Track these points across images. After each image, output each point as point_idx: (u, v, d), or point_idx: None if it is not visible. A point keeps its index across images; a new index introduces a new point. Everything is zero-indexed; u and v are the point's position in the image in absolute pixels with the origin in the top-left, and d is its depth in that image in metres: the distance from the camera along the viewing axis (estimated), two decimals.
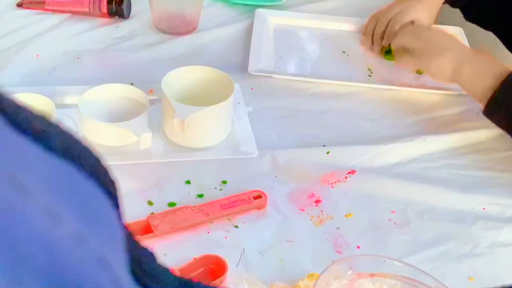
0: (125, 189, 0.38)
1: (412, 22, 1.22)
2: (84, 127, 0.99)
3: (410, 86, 1.19)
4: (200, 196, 0.93)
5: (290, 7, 1.38)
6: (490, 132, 1.09)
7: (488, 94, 1.00)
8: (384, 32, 1.24)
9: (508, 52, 1.32)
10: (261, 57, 1.22)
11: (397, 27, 1.22)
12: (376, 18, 1.27)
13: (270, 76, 1.18)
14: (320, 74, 1.21)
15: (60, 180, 0.30)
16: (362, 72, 1.23)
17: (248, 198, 0.91)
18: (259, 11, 1.34)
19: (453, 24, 1.35)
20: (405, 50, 1.13)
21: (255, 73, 1.17)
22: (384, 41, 1.24)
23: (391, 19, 1.23)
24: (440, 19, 1.31)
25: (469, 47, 1.12)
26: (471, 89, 1.05)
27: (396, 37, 1.16)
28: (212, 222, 0.89)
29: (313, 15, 1.36)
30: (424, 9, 1.24)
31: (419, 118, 1.13)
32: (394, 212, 0.94)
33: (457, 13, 1.35)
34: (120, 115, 1.01)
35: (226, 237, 0.88)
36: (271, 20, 1.33)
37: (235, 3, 1.38)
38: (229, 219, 0.90)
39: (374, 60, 1.26)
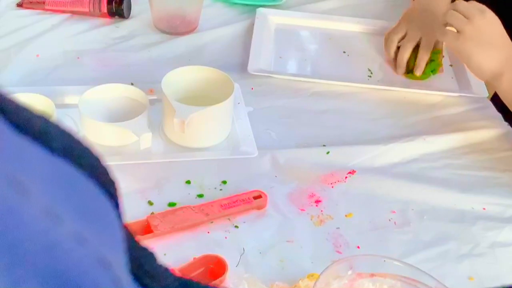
0: (125, 189, 0.38)
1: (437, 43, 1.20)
2: (84, 127, 0.99)
3: (410, 86, 1.19)
4: (200, 196, 0.93)
5: (290, 7, 1.38)
6: (490, 132, 1.09)
7: None
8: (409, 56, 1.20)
9: None
10: (261, 57, 1.22)
11: (426, 55, 1.19)
12: (393, 41, 1.22)
13: (270, 76, 1.18)
14: (320, 74, 1.21)
15: (60, 180, 0.30)
16: (362, 73, 1.23)
17: (248, 198, 0.91)
18: (260, 10, 1.34)
19: None
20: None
21: (255, 73, 1.16)
22: (417, 69, 1.20)
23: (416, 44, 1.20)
24: None
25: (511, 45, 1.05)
26: (509, 97, 1.02)
27: (446, 13, 1.05)
28: (212, 222, 0.89)
29: (314, 15, 1.36)
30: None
31: (419, 118, 1.13)
32: (394, 212, 0.94)
33: None
34: (120, 115, 1.01)
35: (226, 237, 0.88)
36: (272, 19, 1.33)
37: (235, 3, 1.38)
38: (229, 219, 0.90)
39: (374, 61, 1.26)
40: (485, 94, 1.17)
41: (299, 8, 1.39)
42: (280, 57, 1.26)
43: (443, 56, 1.23)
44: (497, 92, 1.05)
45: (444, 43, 1.20)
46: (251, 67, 1.17)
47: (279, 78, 1.18)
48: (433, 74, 1.21)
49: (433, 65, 1.20)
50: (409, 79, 1.21)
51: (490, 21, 1.03)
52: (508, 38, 1.04)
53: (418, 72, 1.19)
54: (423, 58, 1.19)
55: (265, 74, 1.17)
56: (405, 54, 1.20)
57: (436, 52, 1.21)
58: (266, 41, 1.27)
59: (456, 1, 1.07)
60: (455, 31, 1.04)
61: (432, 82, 1.21)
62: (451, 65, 1.26)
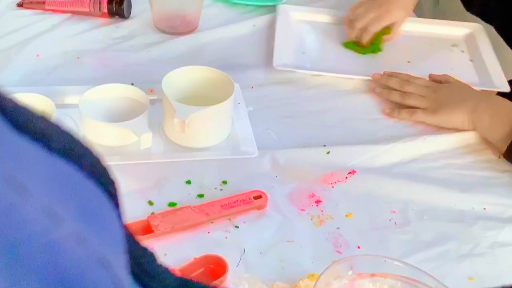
0: (125, 189, 0.38)
1: (390, 26, 1.26)
2: (84, 127, 0.99)
3: None
4: (201, 196, 0.93)
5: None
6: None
7: (507, 140, 1.01)
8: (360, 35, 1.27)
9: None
10: (285, 52, 1.23)
11: (370, 34, 1.25)
12: (350, 23, 1.28)
13: (271, 76, 1.18)
14: (339, 70, 1.22)
15: (60, 180, 0.30)
16: (375, 69, 1.23)
17: (248, 198, 0.91)
18: (282, 7, 1.35)
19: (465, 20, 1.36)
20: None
21: (280, 68, 1.18)
22: (364, 42, 1.27)
23: (367, 24, 1.25)
24: (450, 16, 1.32)
25: (481, 92, 1.11)
26: (490, 135, 1.05)
27: (408, 98, 1.12)
28: (212, 222, 0.89)
29: (335, 11, 1.37)
30: (401, 9, 1.26)
31: None
32: (394, 212, 0.94)
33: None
34: (120, 115, 1.01)
35: (226, 237, 0.88)
36: (293, 15, 1.35)
37: (235, 3, 1.39)
38: (229, 219, 0.90)
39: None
40: (507, 88, 1.17)
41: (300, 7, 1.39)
42: (303, 53, 1.27)
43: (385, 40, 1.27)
44: (480, 134, 1.07)
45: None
46: (276, 62, 1.19)
47: (282, 77, 1.18)
48: (373, 52, 1.27)
49: (374, 47, 1.26)
50: (348, 49, 1.27)
51: (446, 86, 1.12)
52: (469, 87, 1.12)
53: (363, 40, 1.26)
54: (371, 30, 1.25)
55: (288, 69, 1.19)
56: (354, 31, 1.26)
57: (385, 32, 1.26)
58: (288, 37, 1.28)
59: (400, 81, 1.15)
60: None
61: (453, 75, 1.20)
62: (471, 60, 1.27)
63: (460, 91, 1.11)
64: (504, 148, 1.02)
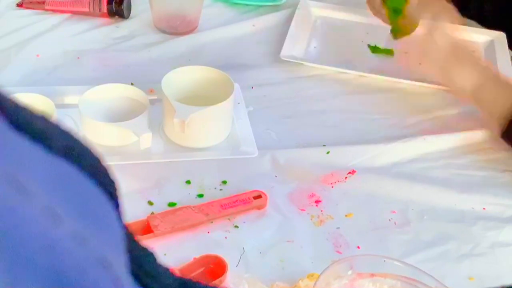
0: (125, 189, 0.38)
1: None
2: (84, 127, 0.99)
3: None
4: (200, 196, 0.93)
5: (289, 7, 1.38)
6: (490, 132, 1.09)
7: (508, 118, 1.00)
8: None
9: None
10: (295, 45, 1.24)
11: None
12: (372, 8, 1.26)
13: (270, 76, 1.18)
14: (345, 67, 1.22)
15: (60, 180, 0.30)
16: (391, 68, 1.22)
17: (248, 198, 0.91)
18: (304, 1, 1.36)
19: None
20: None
21: (286, 59, 1.18)
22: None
23: None
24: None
25: (491, 66, 1.10)
26: (490, 110, 1.04)
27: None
28: (212, 222, 0.89)
29: (357, 10, 1.37)
30: None
31: (419, 118, 1.13)
32: (394, 212, 0.94)
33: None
34: (120, 115, 1.01)
35: (226, 237, 0.88)
36: (314, 11, 1.36)
37: (235, 3, 1.38)
38: (229, 219, 0.90)
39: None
40: None
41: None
42: (315, 47, 1.28)
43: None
44: (477, 106, 1.07)
45: None
46: (283, 53, 1.20)
47: (286, 75, 1.19)
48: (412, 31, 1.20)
49: (410, 27, 1.19)
50: (397, 39, 1.22)
51: (458, 46, 1.08)
52: (479, 56, 1.12)
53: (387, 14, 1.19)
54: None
55: (295, 61, 1.19)
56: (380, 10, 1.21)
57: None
58: (303, 30, 1.29)
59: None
60: None
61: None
62: None
63: (468, 55, 1.09)
64: (503, 126, 1.01)
